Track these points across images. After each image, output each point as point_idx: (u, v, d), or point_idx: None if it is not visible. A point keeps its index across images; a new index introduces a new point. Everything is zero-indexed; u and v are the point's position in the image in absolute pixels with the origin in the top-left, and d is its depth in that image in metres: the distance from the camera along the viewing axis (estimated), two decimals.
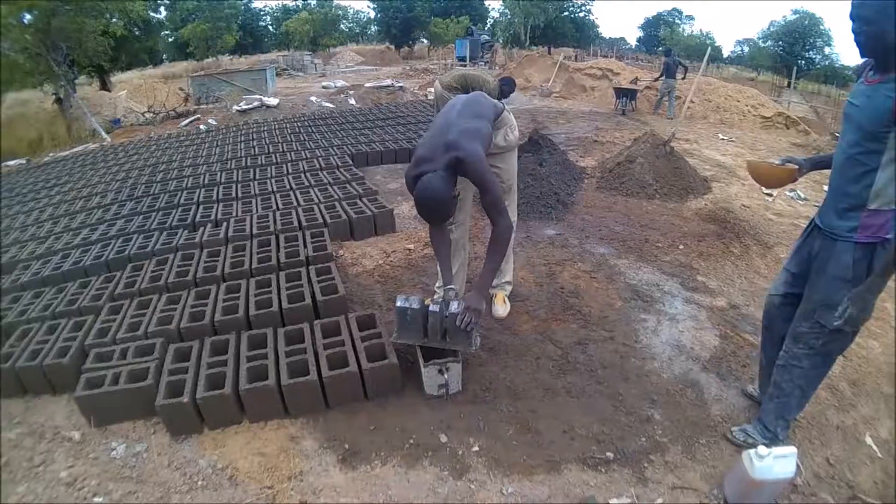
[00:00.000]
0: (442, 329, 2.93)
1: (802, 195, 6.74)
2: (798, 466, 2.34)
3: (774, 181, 2.72)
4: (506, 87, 6.46)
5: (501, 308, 3.77)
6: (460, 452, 2.63)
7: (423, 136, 3.14)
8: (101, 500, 2.48)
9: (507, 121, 3.36)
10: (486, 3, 53.44)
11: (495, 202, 2.76)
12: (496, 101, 3.33)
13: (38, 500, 2.49)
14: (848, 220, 2.15)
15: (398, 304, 2.96)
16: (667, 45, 33.77)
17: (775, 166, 2.57)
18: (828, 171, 2.31)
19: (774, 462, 2.10)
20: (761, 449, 2.11)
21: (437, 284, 3.81)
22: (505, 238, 2.87)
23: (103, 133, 13.42)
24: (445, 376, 2.92)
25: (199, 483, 2.54)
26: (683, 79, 13.25)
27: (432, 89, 17.36)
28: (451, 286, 3.06)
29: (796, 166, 2.51)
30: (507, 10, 47.24)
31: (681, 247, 4.89)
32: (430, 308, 2.91)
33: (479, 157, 2.71)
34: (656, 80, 13.99)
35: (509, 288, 3.88)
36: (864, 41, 1.97)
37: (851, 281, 2.15)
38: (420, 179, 2.71)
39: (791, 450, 2.14)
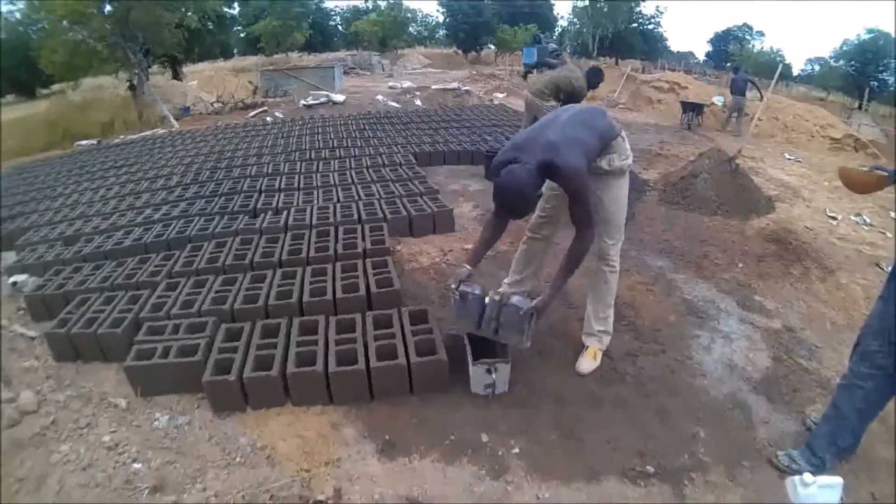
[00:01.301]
0: (496, 322, 2.87)
1: (868, 220, 6.47)
2: (842, 498, 2.25)
3: (864, 187, 2.67)
4: (593, 79, 6.61)
5: (587, 363, 3.25)
6: (500, 453, 2.62)
7: (526, 128, 3.01)
8: (139, 465, 2.55)
9: (618, 147, 3.01)
10: (555, 11, 53.02)
11: (587, 216, 2.72)
12: (617, 124, 3.07)
13: (80, 460, 2.58)
14: None
15: (461, 287, 2.91)
16: (736, 61, 32.69)
17: (865, 172, 2.54)
18: (892, 196, 2.25)
19: (819, 491, 2.05)
20: (807, 476, 2.06)
21: (502, 284, 3.66)
22: (583, 250, 2.78)
23: (173, 120, 13.84)
24: (493, 376, 2.89)
25: (238, 459, 2.60)
26: (762, 99, 12.90)
27: (498, 94, 17.49)
28: (470, 270, 2.95)
29: (885, 173, 2.44)
30: (576, 19, 46.90)
31: (740, 265, 4.75)
32: (490, 298, 2.88)
33: (577, 168, 2.60)
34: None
35: (607, 340, 3.36)
36: None
37: None
38: (507, 167, 2.63)
39: (837, 480, 2.08)
